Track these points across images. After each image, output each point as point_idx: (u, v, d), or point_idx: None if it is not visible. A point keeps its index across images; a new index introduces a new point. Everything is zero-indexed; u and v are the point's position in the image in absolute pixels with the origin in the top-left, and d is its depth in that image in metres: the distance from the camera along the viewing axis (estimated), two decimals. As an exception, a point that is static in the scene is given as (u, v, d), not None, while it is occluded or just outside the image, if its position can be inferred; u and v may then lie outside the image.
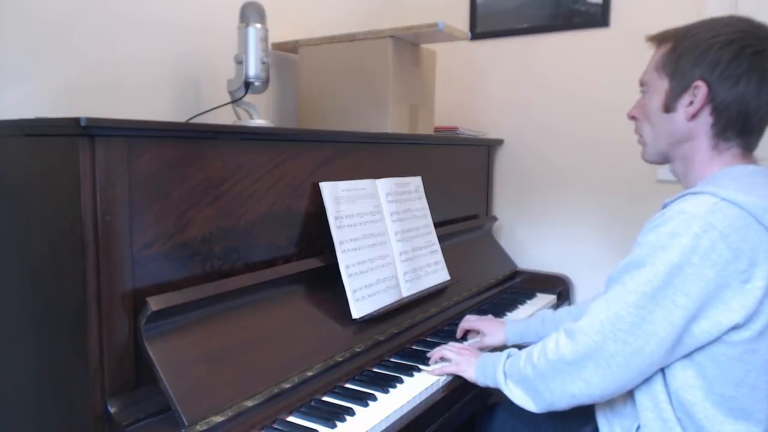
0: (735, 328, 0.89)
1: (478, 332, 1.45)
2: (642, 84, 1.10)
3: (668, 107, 1.04)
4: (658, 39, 1.08)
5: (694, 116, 1.01)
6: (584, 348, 0.94)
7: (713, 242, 0.87)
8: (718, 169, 1.01)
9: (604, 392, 0.95)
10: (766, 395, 0.93)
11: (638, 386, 0.97)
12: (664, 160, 1.10)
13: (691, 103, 1.00)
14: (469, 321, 1.47)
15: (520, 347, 1.43)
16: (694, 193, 0.94)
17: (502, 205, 2.19)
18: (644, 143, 1.11)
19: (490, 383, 1.12)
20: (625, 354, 0.91)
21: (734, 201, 0.90)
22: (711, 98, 0.99)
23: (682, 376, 0.94)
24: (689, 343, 0.91)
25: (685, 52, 1.00)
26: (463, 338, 1.47)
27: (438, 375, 1.23)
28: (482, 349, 1.37)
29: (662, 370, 0.95)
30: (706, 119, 1.00)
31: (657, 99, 1.05)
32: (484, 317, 1.49)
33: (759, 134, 1.02)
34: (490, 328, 1.42)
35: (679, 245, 0.89)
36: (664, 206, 0.98)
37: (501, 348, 1.46)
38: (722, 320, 0.89)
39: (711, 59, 0.97)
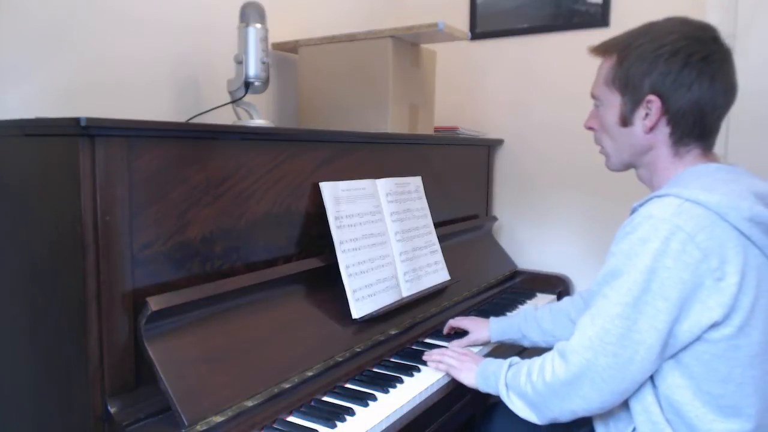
0: (715, 325, 0.90)
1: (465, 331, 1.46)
2: (594, 97, 1.11)
3: (625, 122, 1.05)
4: (601, 51, 1.09)
5: (651, 129, 1.02)
6: (577, 367, 0.95)
7: (683, 244, 0.89)
8: (682, 170, 1.02)
9: (602, 405, 0.97)
10: (754, 390, 0.93)
11: None
12: (628, 168, 1.12)
13: (647, 115, 1.01)
14: (457, 319, 1.48)
15: (506, 346, 1.44)
16: (660, 196, 0.95)
17: (502, 205, 2.19)
18: (607, 154, 1.13)
19: (492, 392, 1.13)
20: (617, 366, 0.92)
21: (697, 201, 0.91)
22: (666, 110, 1.00)
23: (670, 377, 0.95)
24: (674, 345, 0.92)
25: (633, 67, 1.01)
26: (450, 337, 1.47)
27: (439, 370, 1.23)
28: (470, 346, 1.39)
29: (651, 373, 0.96)
30: (663, 129, 1.02)
31: (612, 113, 1.06)
32: (469, 317, 1.50)
33: (716, 133, 1.04)
34: (474, 326, 1.44)
35: (651, 250, 0.90)
36: (633, 210, 1.00)
37: (499, 352, 1.46)
38: (702, 319, 0.90)
39: (660, 71, 0.98)
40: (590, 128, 1.15)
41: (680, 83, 0.98)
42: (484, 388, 1.15)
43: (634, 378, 0.93)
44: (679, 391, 0.94)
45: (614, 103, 1.05)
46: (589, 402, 0.96)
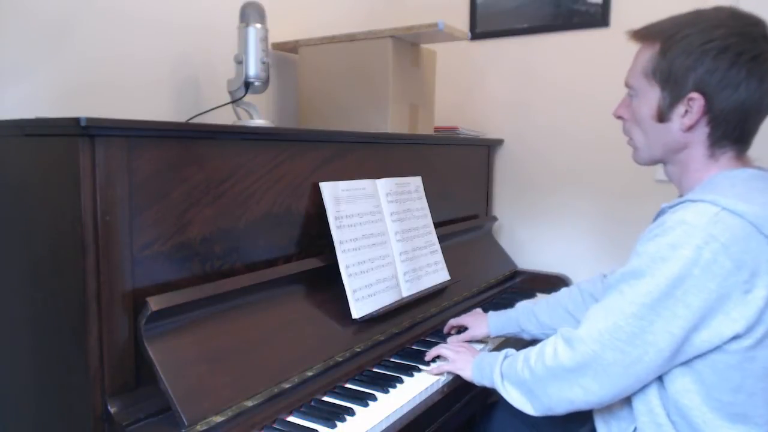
0: (736, 337, 0.88)
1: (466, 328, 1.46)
2: (628, 86, 1.05)
3: (661, 117, 0.99)
4: (641, 36, 1.02)
5: (690, 128, 0.97)
6: (582, 356, 0.94)
7: (715, 254, 0.86)
8: (715, 172, 0.98)
9: (602, 399, 0.95)
10: (764, 401, 0.92)
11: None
12: (656, 163, 1.08)
13: (686, 112, 0.96)
14: (457, 318, 1.48)
15: (508, 341, 1.44)
16: (694, 201, 0.91)
17: (502, 205, 2.19)
18: (636, 147, 1.07)
19: (487, 383, 1.12)
20: (623, 363, 0.91)
21: (735, 211, 0.88)
22: (708, 109, 0.95)
23: (680, 381, 0.94)
24: (688, 352, 0.91)
25: (677, 60, 0.95)
26: (450, 336, 1.47)
27: (435, 374, 1.23)
28: (469, 342, 1.39)
29: (659, 375, 0.95)
30: (702, 129, 0.97)
31: (648, 106, 1.01)
32: (470, 312, 1.50)
33: (753, 136, 1.00)
34: (474, 321, 1.43)
35: (681, 257, 0.87)
36: (662, 212, 0.97)
37: (500, 345, 1.46)
38: (723, 330, 0.88)
39: (706, 68, 0.93)
40: (620, 117, 1.08)
41: (727, 83, 0.92)
42: (479, 380, 1.14)
43: (638, 377, 0.92)
44: (689, 395, 0.93)
45: (651, 96, 1.00)
46: (589, 394, 0.94)
